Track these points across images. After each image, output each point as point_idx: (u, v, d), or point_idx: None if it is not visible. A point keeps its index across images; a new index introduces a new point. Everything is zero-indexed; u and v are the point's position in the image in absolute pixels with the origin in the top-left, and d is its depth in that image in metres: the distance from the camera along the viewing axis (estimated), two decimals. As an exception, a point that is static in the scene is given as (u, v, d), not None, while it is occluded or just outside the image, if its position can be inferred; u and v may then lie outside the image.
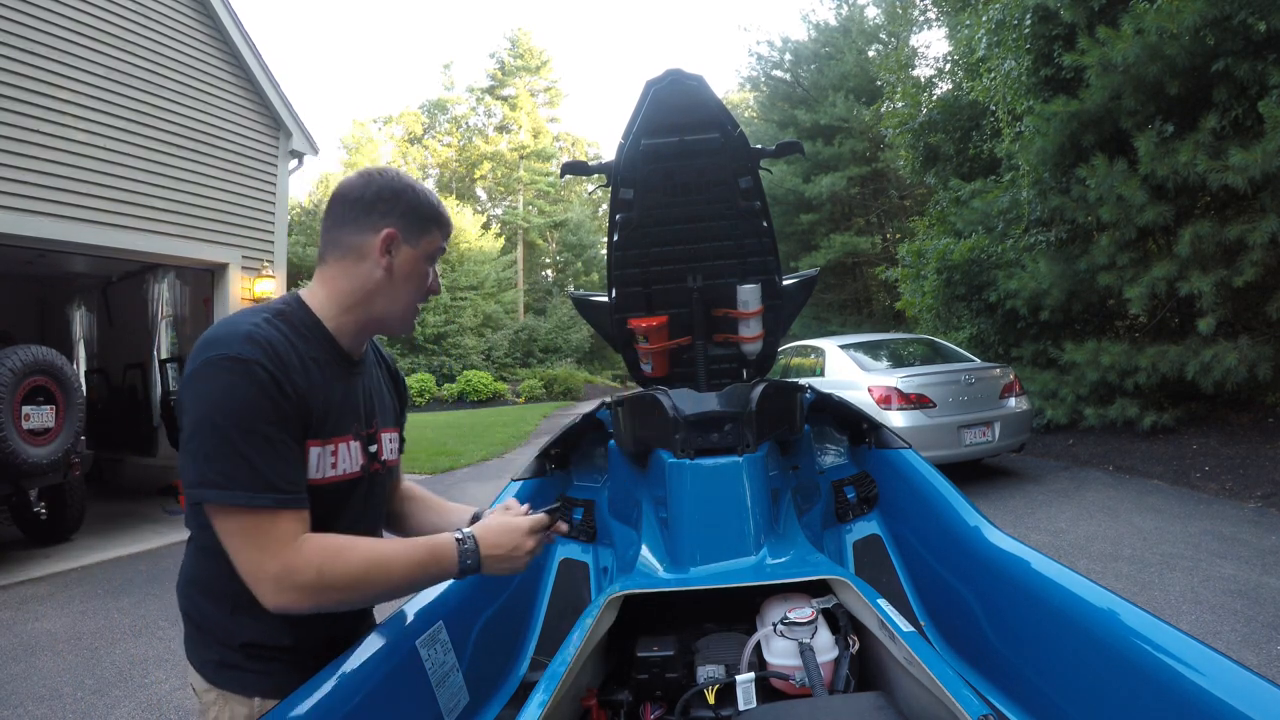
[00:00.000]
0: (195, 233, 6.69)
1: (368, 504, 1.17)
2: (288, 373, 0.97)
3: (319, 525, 1.00)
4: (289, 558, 0.91)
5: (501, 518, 1.11)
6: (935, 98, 11.21)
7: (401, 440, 1.30)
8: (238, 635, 1.05)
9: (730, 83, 34.00)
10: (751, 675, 1.08)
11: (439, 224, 1.12)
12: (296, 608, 0.92)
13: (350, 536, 1.01)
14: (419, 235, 1.09)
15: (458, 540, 1.03)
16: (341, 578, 0.94)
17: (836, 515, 1.86)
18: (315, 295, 1.09)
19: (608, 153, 34.42)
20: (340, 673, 1.01)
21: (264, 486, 0.91)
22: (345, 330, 1.09)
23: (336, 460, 1.06)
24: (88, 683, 3.36)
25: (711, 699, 1.08)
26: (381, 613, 1.24)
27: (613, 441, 1.91)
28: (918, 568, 1.65)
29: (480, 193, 39.94)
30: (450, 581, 1.33)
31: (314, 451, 1.02)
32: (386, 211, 1.07)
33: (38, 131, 5.40)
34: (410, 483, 1.40)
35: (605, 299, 2.09)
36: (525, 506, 1.16)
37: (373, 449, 1.15)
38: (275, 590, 0.91)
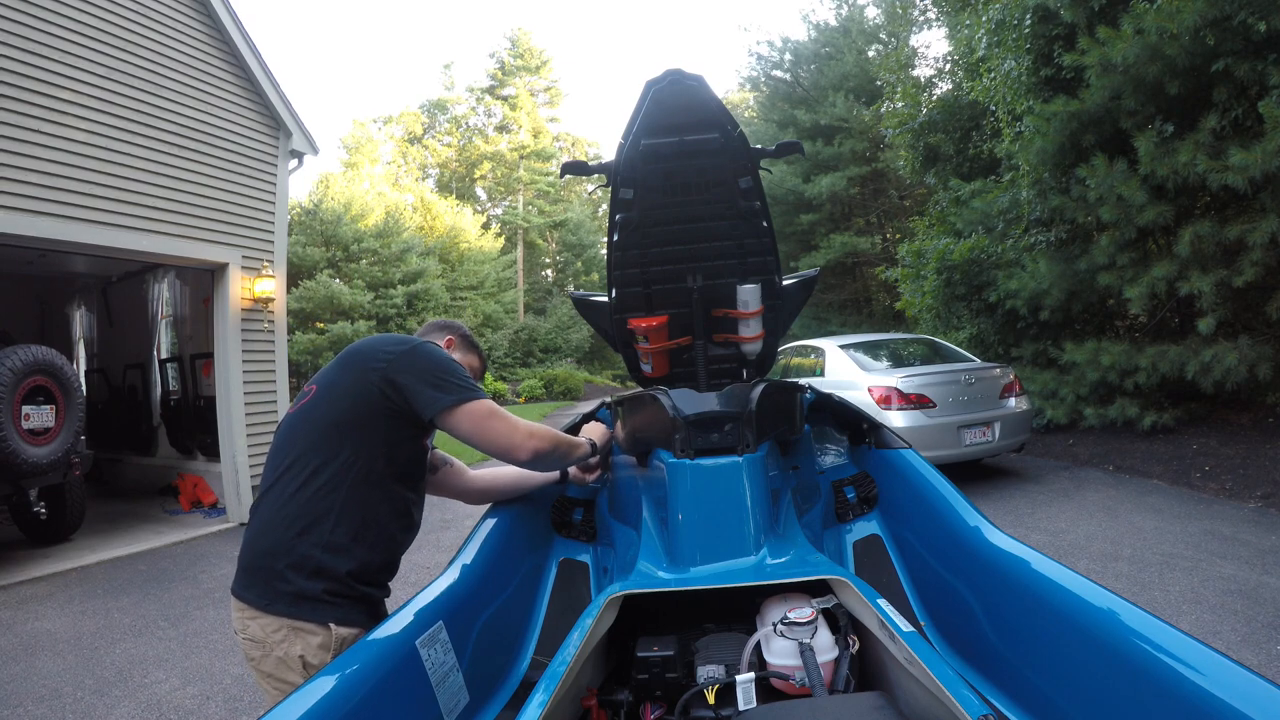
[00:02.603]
0: (195, 233, 6.68)
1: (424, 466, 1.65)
2: None
3: (416, 476, 1.51)
4: (520, 421, 1.42)
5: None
6: (935, 98, 11.21)
7: None
8: (343, 565, 1.33)
9: (730, 83, 34.03)
10: (751, 675, 1.08)
11: (480, 357, 1.82)
12: (540, 449, 1.41)
13: None
14: (469, 353, 1.78)
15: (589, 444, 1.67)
16: (543, 429, 1.46)
17: (836, 515, 1.86)
18: None
19: (608, 153, 34.47)
20: (340, 673, 1.01)
21: (485, 393, 1.44)
22: None
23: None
24: (88, 683, 3.36)
25: (711, 699, 1.08)
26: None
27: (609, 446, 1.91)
28: (918, 568, 1.65)
29: (480, 193, 39.93)
30: (450, 581, 1.34)
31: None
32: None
33: (38, 131, 5.40)
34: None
35: (605, 299, 2.09)
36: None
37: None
38: (528, 437, 1.40)
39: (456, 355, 1.65)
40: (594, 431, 1.76)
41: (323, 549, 1.32)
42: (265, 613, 1.30)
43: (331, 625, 1.30)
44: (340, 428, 1.37)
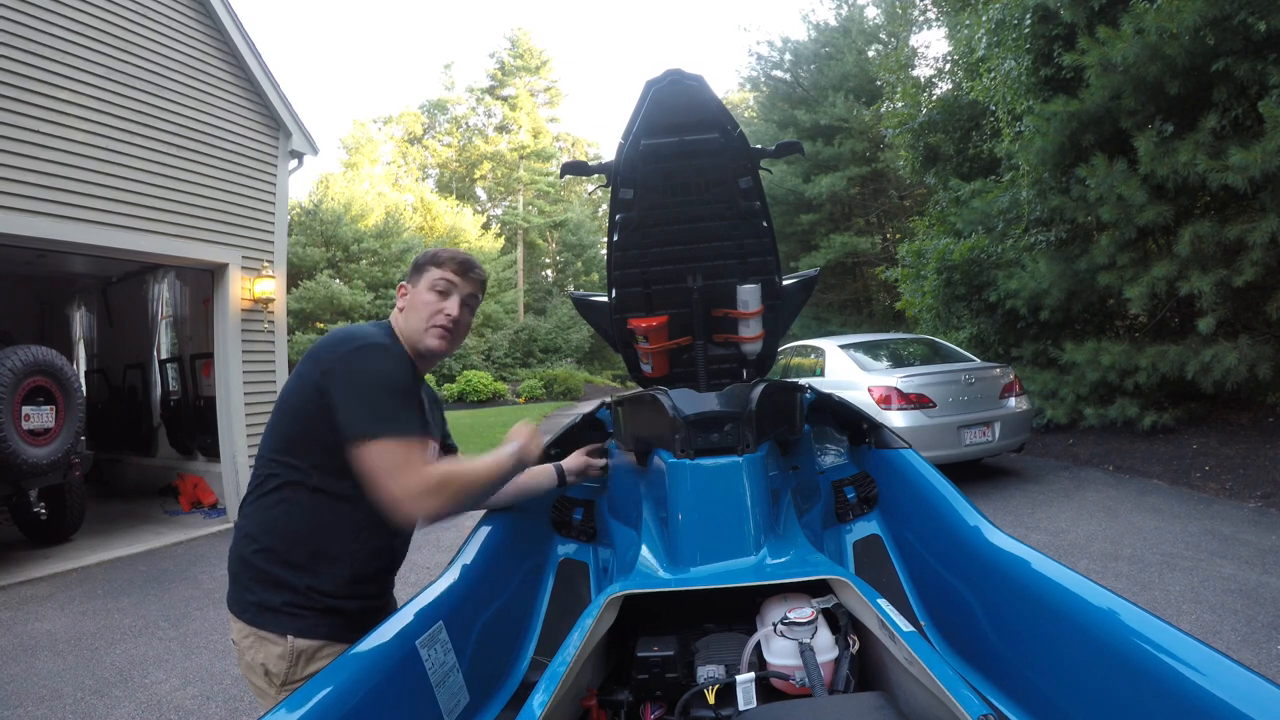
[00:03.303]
0: (195, 233, 6.68)
1: None
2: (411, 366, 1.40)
3: (372, 518, 1.31)
4: (427, 471, 1.24)
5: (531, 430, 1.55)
6: (935, 98, 11.21)
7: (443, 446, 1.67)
8: (303, 580, 1.30)
9: (730, 83, 34.03)
10: (751, 675, 1.08)
11: (434, 262, 1.47)
12: (439, 510, 1.24)
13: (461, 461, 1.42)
14: (418, 276, 1.47)
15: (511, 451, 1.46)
16: (460, 477, 1.29)
17: (836, 515, 1.85)
18: (395, 326, 1.49)
19: (608, 153, 34.46)
20: (340, 673, 1.01)
21: (411, 427, 1.27)
22: (410, 352, 1.45)
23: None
24: (88, 683, 3.36)
25: (711, 699, 1.08)
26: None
27: (613, 441, 1.91)
28: (918, 568, 1.65)
29: (480, 193, 39.94)
30: (450, 581, 1.35)
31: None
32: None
33: (38, 131, 5.40)
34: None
35: (605, 299, 2.08)
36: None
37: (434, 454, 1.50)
38: (424, 495, 1.21)
39: (402, 301, 1.48)
40: (519, 436, 1.52)
41: (280, 564, 1.31)
42: (238, 619, 1.33)
43: (289, 636, 1.29)
44: (292, 437, 1.33)
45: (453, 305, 1.44)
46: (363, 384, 1.26)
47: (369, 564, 1.38)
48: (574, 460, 1.83)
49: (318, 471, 1.31)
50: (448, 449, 1.68)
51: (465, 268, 1.47)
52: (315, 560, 1.32)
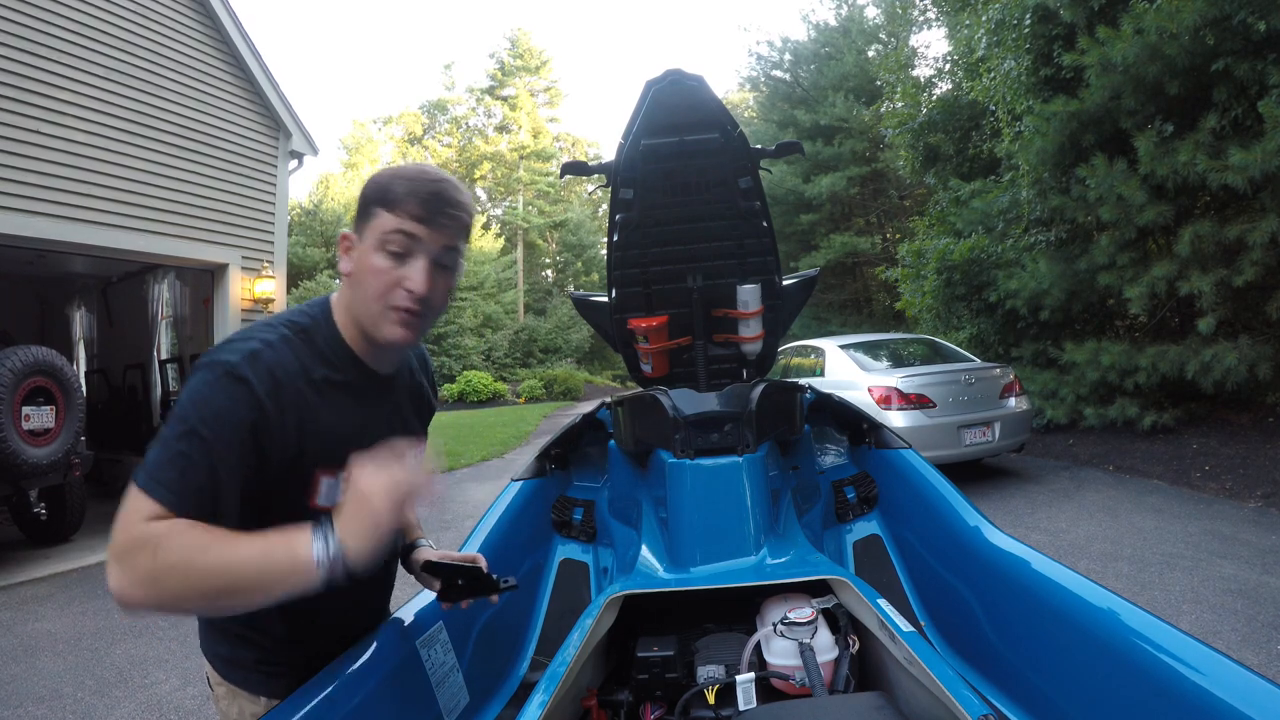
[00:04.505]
0: (195, 233, 6.69)
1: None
2: (280, 404, 0.91)
3: None
4: (139, 530, 0.78)
5: (383, 476, 0.86)
6: (935, 98, 11.21)
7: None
8: (268, 637, 1.06)
9: (730, 83, 34.03)
10: (751, 675, 1.08)
11: (385, 201, 0.94)
12: (142, 602, 0.77)
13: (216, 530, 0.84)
14: (364, 224, 0.96)
15: (314, 530, 0.82)
16: (177, 549, 0.77)
17: (836, 515, 1.85)
18: (338, 305, 1.04)
19: (608, 153, 34.48)
20: (340, 673, 1.01)
21: (178, 489, 0.82)
22: (357, 343, 1.02)
23: (345, 488, 0.93)
24: (88, 683, 3.36)
25: (711, 699, 1.08)
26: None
27: (613, 441, 1.91)
28: (918, 568, 1.65)
29: (480, 193, 39.92)
30: None
31: (325, 482, 0.98)
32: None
33: (38, 131, 5.40)
34: None
35: (605, 299, 2.08)
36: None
37: None
38: (111, 561, 0.77)
39: (347, 263, 0.98)
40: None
41: (239, 621, 1.07)
42: (210, 663, 1.18)
43: (263, 699, 1.09)
44: None
45: (416, 274, 0.93)
46: (175, 412, 0.89)
47: (343, 620, 1.12)
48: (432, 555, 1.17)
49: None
50: None
51: (433, 207, 0.93)
52: (286, 622, 1.05)
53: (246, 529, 0.83)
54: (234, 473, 0.87)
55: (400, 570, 1.27)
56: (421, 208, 0.93)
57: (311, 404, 0.96)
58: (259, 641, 1.07)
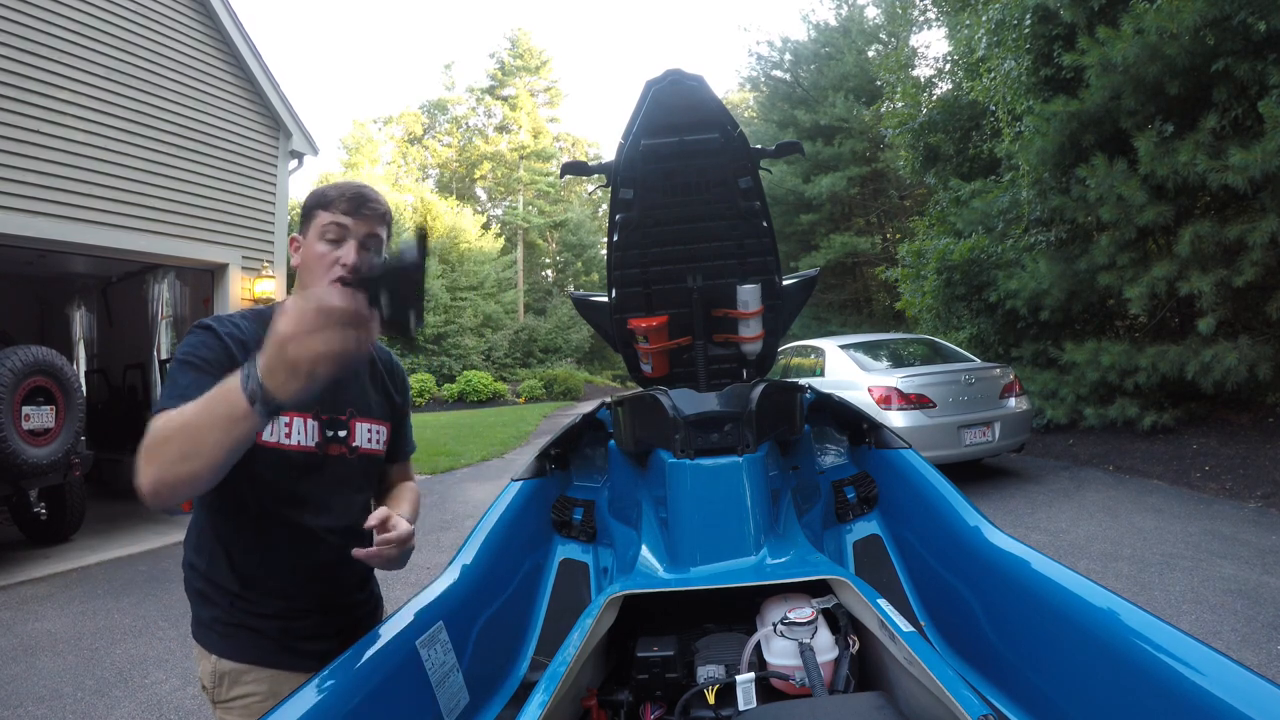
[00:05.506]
0: (195, 233, 6.69)
1: (340, 483, 1.28)
2: (243, 344, 1.15)
3: (285, 494, 1.20)
4: (152, 444, 0.92)
5: (305, 303, 0.83)
6: (935, 98, 11.22)
7: (399, 436, 1.43)
8: (226, 597, 1.22)
9: (730, 83, 34.05)
10: (751, 675, 1.08)
11: (321, 204, 1.23)
12: (157, 481, 0.89)
13: None
14: (307, 225, 1.24)
15: (245, 367, 0.86)
16: (158, 430, 0.91)
17: (836, 515, 1.85)
18: (293, 295, 1.20)
19: (608, 153, 34.50)
20: (340, 673, 1.02)
21: (173, 394, 1.02)
22: None
23: (290, 431, 1.20)
24: (88, 683, 3.36)
25: (711, 699, 1.08)
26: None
27: (613, 441, 1.91)
28: (918, 568, 1.65)
29: (480, 193, 39.95)
30: (450, 581, 1.34)
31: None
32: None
33: (38, 131, 5.40)
34: (407, 482, 1.48)
35: (605, 299, 2.08)
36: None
37: (341, 434, 1.28)
38: (143, 468, 0.90)
39: (297, 258, 1.26)
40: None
41: (204, 579, 1.26)
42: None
43: (214, 657, 1.24)
44: None
45: (349, 252, 1.22)
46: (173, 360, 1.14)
47: (298, 585, 1.25)
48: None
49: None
50: (402, 449, 1.46)
51: (357, 203, 1.23)
52: (236, 577, 1.22)
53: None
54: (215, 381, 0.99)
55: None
56: (348, 204, 1.22)
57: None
58: (216, 599, 1.23)
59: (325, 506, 1.25)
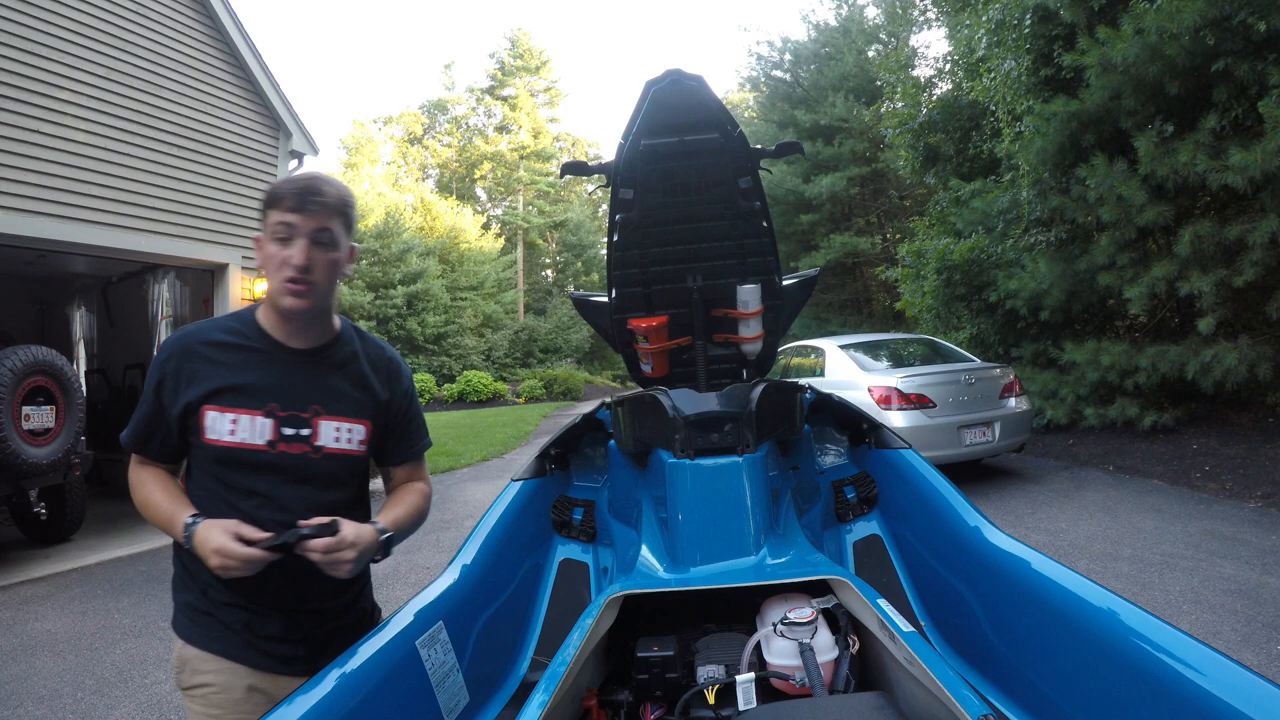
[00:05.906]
0: (195, 233, 6.69)
1: (302, 482, 1.24)
2: (190, 355, 1.23)
3: (240, 490, 1.21)
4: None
5: (220, 535, 1.11)
6: (935, 98, 11.22)
7: (393, 435, 1.38)
8: (195, 584, 1.26)
9: (730, 83, 34.06)
10: (751, 675, 1.08)
11: (271, 203, 1.21)
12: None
13: (158, 476, 1.27)
14: (263, 226, 1.23)
15: (186, 524, 1.17)
16: (131, 481, 1.27)
17: (836, 515, 1.85)
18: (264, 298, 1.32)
19: (608, 153, 34.50)
20: (340, 673, 1.02)
21: (137, 437, 1.26)
22: (271, 319, 1.27)
23: (235, 428, 1.21)
24: (88, 683, 3.36)
25: (711, 699, 1.08)
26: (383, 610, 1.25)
27: (613, 441, 1.91)
28: (918, 568, 1.65)
29: (480, 193, 39.95)
30: (450, 581, 1.35)
31: (210, 415, 1.21)
32: None
33: (38, 131, 5.40)
34: (413, 483, 1.43)
35: (605, 299, 2.08)
36: (258, 539, 1.13)
37: (303, 432, 1.25)
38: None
39: (260, 258, 1.25)
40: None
41: (181, 565, 1.31)
42: None
43: (179, 641, 1.28)
44: None
45: (297, 251, 1.17)
46: None
47: (258, 581, 1.18)
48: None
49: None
50: (405, 450, 1.42)
51: (302, 199, 1.17)
52: (198, 561, 1.18)
53: (182, 450, 1.26)
54: (154, 415, 1.25)
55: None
56: (294, 200, 1.18)
57: (206, 357, 1.23)
58: (190, 585, 1.26)
59: (283, 505, 1.21)
